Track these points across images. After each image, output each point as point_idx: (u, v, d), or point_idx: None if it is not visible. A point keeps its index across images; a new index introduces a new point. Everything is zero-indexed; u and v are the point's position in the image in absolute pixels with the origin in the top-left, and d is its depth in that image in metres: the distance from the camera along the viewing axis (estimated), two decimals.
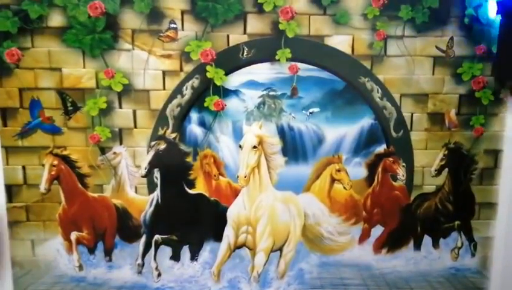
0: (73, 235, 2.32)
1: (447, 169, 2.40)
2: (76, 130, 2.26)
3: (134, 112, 2.27)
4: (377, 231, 2.45)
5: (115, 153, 2.29)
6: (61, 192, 2.29)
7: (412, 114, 2.36)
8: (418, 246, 2.47)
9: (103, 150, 2.28)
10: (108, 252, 2.37)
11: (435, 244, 2.48)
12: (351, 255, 2.44)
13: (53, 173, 2.25)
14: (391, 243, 2.45)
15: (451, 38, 2.28)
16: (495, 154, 2.41)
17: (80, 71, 2.20)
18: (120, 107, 2.25)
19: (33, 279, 2.35)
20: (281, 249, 2.40)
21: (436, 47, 2.29)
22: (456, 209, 2.44)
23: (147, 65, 2.22)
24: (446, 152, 2.39)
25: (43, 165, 2.25)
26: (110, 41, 2.18)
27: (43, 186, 2.26)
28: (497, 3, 2.17)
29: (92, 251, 2.37)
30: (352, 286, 2.44)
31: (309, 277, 2.43)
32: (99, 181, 2.32)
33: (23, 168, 2.28)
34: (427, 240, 2.47)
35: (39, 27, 2.15)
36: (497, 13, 2.19)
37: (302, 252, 2.42)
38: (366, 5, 2.23)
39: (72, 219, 2.31)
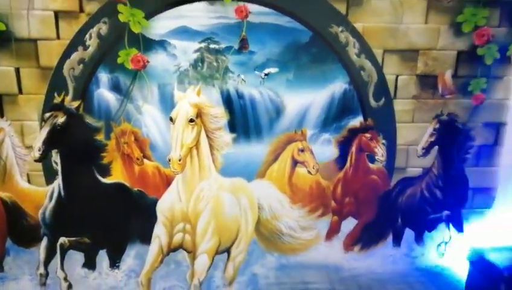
0: None
1: (436, 147, 1.93)
2: None
3: (17, 71, 1.70)
4: (349, 224, 2.00)
5: None
6: None
7: (397, 76, 1.88)
8: (397, 242, 2.06)
9: None
10: None
11: (419, 239, 2.07)
12: (316, 254, 2.01)
13: None
14: (366, 238, 2.05)
15: None
16: (496, 129, 1.94)
17: None
18: None
19: None
20: (228, 251, 1.85)
21: None
22: (445, 197, 1.99)
23: (32, 3, 1.57)
24: (437, 126, 1.94)
25: None
26: None
27: None
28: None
29: None
30: None
31: (265, 283, 1.95)
32: None
33: None
34: (409, 234, 2.04)
35: None
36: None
37: (256, 253, 1.93)
38: None
39: None
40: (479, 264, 1.95)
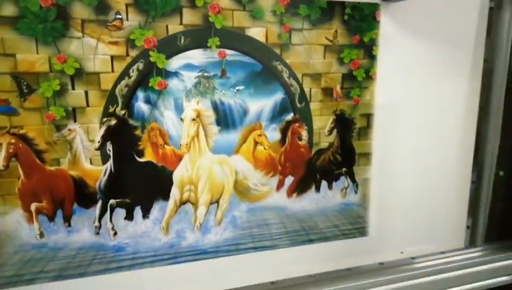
0: (33, 206, 2.23)
1: (335, 130, 2.72)
2: (32, 111, 2.17)
3: (86, 93, 2.22)
4: (289, 180, 2.68)
5: (69, 129, 2.22)
6: (20, 168, 2.19)
7: (310, 89, 2.59)
8: (318, 189, 2.69)
9: (58, 128, 2.22)
10: (67, 219, 2.31)
11: (330, 187, 2.75)
12: (271, 200, 2.60)
13: (11, 150, 2.15)
14: (299, 188, 2.65)
15: (336, 31, 2.62)
16: (368, 117, 2.81)
17: (33, 57, 2.11)
18: (73, 88, 2.19)
19: None
20: (217, 202, 2.53)
21: (326, 38, 2.61)
22: (343, 160, 2.77)
23: (97, 51, 2.20)
24: (334, 117, 2.64)
25: (1, 144, 2.13)
26: (62, 29, 2.14)
27: (0, 164, 2.15)
28: None
29: (51, 218, 2.30)
30: (272, 225, 2.67)
31: (240, 221, 2.59)
32: (56, 156, 2.24)
33: None
34: (324, 184, 2.77)
35: None
36: None
37: (234, 203, 2.56)
38: (275, 4, 2.48)
39: (31, 192, 2.23)
40: None
